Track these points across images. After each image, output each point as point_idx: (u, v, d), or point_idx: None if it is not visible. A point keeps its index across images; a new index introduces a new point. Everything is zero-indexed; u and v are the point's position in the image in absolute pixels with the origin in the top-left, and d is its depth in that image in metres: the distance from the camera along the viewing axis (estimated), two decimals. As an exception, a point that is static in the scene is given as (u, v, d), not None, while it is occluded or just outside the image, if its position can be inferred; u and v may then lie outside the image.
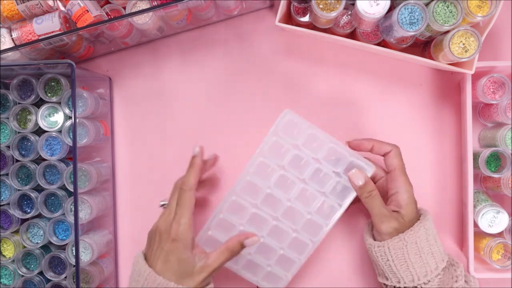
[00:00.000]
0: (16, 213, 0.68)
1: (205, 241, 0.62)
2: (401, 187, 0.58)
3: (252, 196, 0.61)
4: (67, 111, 0.67)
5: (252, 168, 0.61)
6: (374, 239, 0.60)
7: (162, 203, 0.63)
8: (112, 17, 0.65)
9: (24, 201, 0.69)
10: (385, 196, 0.61)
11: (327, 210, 0.62)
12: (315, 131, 0.60)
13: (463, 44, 0.59)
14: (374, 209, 0.58)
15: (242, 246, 0.58)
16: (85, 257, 0.66)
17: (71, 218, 0.66)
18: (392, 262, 0.57)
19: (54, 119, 0.67)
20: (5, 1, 0.62)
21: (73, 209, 0.63)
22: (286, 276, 0.63)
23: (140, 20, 0.64)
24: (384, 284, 0.61)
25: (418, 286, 0.57)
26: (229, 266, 0.63)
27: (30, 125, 0.67)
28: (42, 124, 0.67)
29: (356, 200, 0.61)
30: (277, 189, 0.61)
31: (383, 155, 0.61)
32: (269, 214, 0.62)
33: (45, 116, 0.67)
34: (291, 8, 0.66)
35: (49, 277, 0.67)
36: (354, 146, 0.61)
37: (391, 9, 0.60)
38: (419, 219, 0.59)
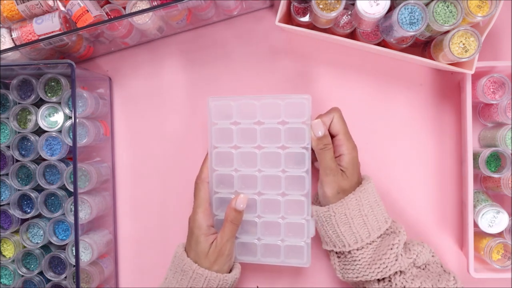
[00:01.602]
0: (16, 213, 0.68)
1: None
2: (345, 149, 0.60)
3: (228, 186, 0.64)
4: (67, 111, 0.67)
5: (213, 163, 0.63)
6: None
7: None
8: (112, 17, 0.65)
9: (24, 201, 0.69)
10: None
11: (296, 159, 0.62)
12: (241, 100, 0.62)
13: (463, 44, 0.59)
14: (324, 160, 0.60)
15: (237, 211, 0.61)
16: (85, 257, 0.66)
17: (71, 218, 0.66)
18: (323, 228, 0.62)
19: (54, 119, 0.67)
20: (5, 1, 0.62)
21: (73, 209, 0.63)
22: (305, 242, 0.63)
23: (140, 20, 0.64)
24: (328, 249, 0.64)
25: (351, 252, 0.61)
26: (249, 260, 0.64)
27: (30, 125, 0.67)
28: (42, 124, 0.67)
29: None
30: (244, 167, 0.63)
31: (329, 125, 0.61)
32: (251, 193, 0.63)
33: (45, 116, 0.67)
34: (291, 8, 0.66)
35: (49, 277, 0.67)
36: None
37: (391, 9, 0.60)
38: (359, 185, 0.61)
